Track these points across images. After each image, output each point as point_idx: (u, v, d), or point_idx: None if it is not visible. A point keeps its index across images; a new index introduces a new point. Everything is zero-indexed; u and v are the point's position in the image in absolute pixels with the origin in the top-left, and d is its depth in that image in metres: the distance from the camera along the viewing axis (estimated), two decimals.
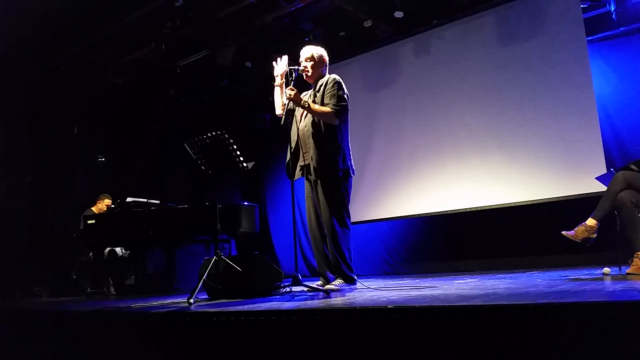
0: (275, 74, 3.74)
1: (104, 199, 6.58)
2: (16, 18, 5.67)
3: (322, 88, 3.68)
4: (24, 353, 3.37)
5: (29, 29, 5.98)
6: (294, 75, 3.63)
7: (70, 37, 6.45)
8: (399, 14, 5.96)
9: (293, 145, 3.70)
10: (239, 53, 6.75)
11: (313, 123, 3.61)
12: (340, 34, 6.74)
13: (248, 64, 7.12)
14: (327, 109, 3.57)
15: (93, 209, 6.56)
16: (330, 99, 3.60)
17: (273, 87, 3.78)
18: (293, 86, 3.56)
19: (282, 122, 3.68)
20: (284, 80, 3.72)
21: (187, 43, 6.63)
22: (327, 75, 3.77)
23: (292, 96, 3.51)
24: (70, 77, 6.94)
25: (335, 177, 3.58)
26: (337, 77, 3.70)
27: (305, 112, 3.65)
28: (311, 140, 3.59)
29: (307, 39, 6.38)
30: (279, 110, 3.77)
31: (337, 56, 6.88)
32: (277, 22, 6.26)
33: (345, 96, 3.66)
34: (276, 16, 6.12)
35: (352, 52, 7.08)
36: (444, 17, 6.30)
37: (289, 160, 3.70)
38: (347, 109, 3.68)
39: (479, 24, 6.08)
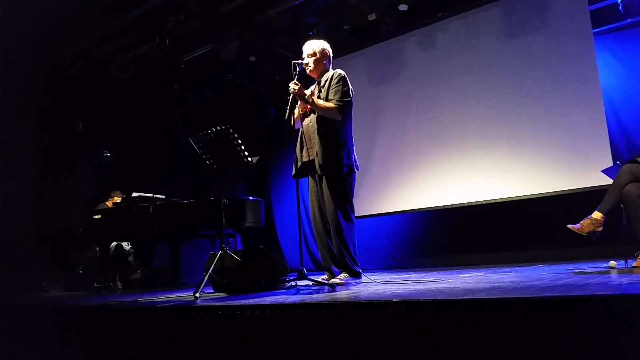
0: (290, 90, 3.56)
1: (114, 196, 6.61)
2: (21, 14, 5.68)
3: (327, 83, 3.67)
4: (31, 347, 3.39)
5: (33, 25, 5.99)
6: (297, 69, 3.62)
7: (75, 33, 6.45)
8: (403, 7, 5.94)
9: (297, 140, 3.70)
10: (243, 47, 6.74)
11: (318, 119, 3.60)
12: (345, 27, 6.72)
13: (252, 58, 7.11)
14: (330, 104, 3.56)
15: (107, 203, 6.60)
16: (334, 95, 3.59)
17: (288, 101, 3.63)
18: (297, 80, 3.55)
19: (285, 117, 3.68)
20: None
21: (191, 38, 6.62)
22: (332, 70, 3.75)
23: (296, 91, 3.50)
24: (74, 73, 6.95)
25: (340, 172, 3.57)
26: (342, 73, 3.68)
27: (310, 107, 3.64)
28: (316, 136, 3.57)
29: (311, 33, 6.35)
30: (298, 125, 3.73)
31: (341, 50, 6.87)
32: (281, 16, 6.24)
33: (350, 92, 3.65)
34: (280, 10, 6.10)
35: (356, 45, 7.06)
36: (448, 10, 6.27)
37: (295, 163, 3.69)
38: (351, 105, 3.66)
39: (483, 16, 6.04)
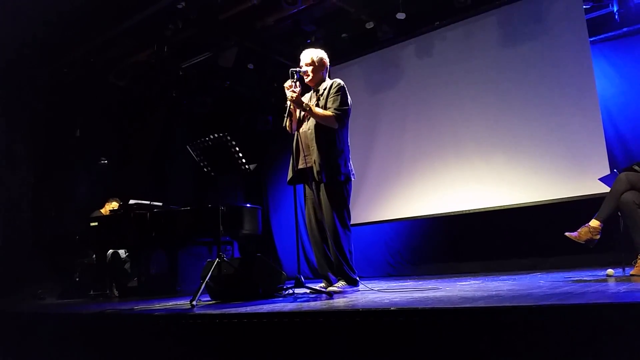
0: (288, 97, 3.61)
1: (111, 202, 6.59)
2: (19, 21, 5.69)
3: (325, 92, 3.68)
4: (27, 355, 3.37)
5: (32, 32, 6.00)
6: (295, 77, 3.63)
7: (73, 40, 6.46)
8: (401, 16, 5.95)
9: (294, 148, 3.70)
10: (241, 55, 6.75)
11: (316, 126, 3.61)
12: (343, 35, 6.74)
13: (250, 65, 7.12)
14: (328, 112, 3.57)
15: (102, 211, 6.58)
16: (332, 103, 3.60)
17: (285, 108, 3.67)
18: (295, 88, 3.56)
19: (283, 124, 3.68)
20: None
21: (189, 45, 6.64)
22: (330, 80, 3.77)
23: (294, 98, 3.51)
24: (73, 80, 6.95)
25: (337, 180, 3.58)
26: (342, 82, 3.70)
27: (308, 115, 3.65)
28: (314, 144, 3.58)
29: (309, 41, 6.37)
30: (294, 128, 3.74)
31: (339, 58, 6.88)
32: (279, 23, 6.26)
33: (349, 102, 3.66)
34: (278, 18, 6.12)
35: (354, 53, 7.08)
36: (446, 18, 6.29)
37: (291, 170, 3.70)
38: (348, 114, 3.68)
39: (481, 25, 6.07)
